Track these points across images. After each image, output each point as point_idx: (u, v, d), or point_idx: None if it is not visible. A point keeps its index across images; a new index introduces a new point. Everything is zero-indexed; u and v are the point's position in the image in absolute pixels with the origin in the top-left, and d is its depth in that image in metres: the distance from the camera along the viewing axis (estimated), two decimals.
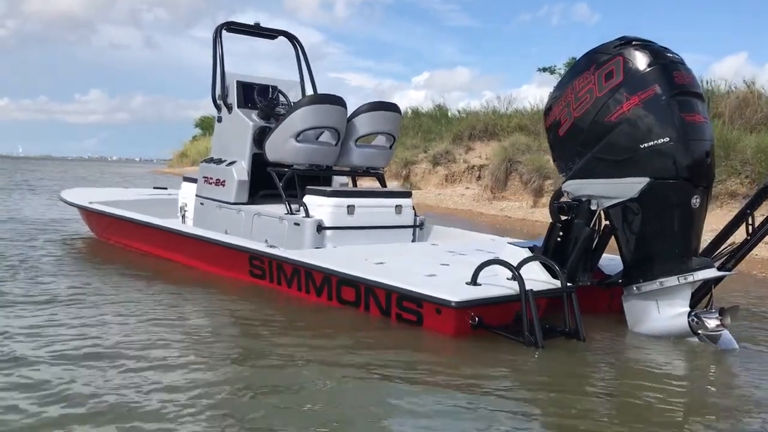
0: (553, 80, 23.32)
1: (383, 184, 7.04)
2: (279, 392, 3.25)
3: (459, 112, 23.67)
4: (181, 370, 3.51)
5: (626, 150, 4.16)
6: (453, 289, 4.19)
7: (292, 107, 6.36)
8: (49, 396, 3.08)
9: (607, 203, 4.38)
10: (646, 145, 4.09)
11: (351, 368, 3.61)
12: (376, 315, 4.64)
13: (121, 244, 7.57)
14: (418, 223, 6.56)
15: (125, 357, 3.66)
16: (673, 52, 4.30)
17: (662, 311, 4.31)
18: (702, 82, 14.04)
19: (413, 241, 6.46)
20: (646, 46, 4.23)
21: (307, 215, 5.86)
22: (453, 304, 4.02)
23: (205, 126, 43.55)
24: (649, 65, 4.13)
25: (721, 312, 4.05)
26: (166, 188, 9.35)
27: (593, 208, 4.47)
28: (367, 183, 7.63)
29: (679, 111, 4.06)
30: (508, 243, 4.83)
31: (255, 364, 3.71)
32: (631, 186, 4.20)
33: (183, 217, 7.15)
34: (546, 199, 11.19)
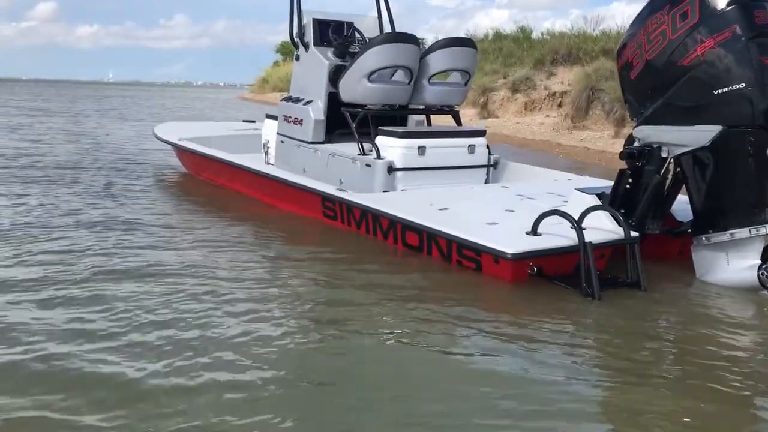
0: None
1: (458, 122, 6.99)
2: (338, 330, 3.46)
3: (542, 34, 22.80)
4: (245, 303, 3.78)
5: (699, 96, 3.96)
6: (512, 239, 4.19)
7: (363, 47, 6.32)
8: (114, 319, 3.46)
9: (678, 151, 4.22)
10: (720, 90, 3.88)
11: (410, 309, 3.77)
12: (438, 259, 4.71)
13: (209, 180, 7.91)
14: (492, 162, 6.49)
15: (186, 281, 4.10)
16: None
17: (732, 263, 4.18)
18: None
19: (487, 181, 6.43)
20: None
21: (378, 156, 5.91)
22: (509, 255, 4.03)
23: (286, 51, 43.67)
24: (728, 4, 3.87)
25: None
26: (254, 122, 9.56)
27: (663, 155, 4.32)
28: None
29: (758, 54, 3.81)
30: (575, 189, 4.73)
31: (318, 302, 3.92)
32: (703, 134, 4.01)
33: (266, 154, 7.31)
34: (628, 131, 10.78)
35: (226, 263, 4.58)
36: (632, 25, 4.41)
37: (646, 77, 4.21)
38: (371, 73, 6.15)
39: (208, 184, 7.80)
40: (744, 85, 3.82)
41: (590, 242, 4.00)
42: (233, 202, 6.85)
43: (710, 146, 4.01)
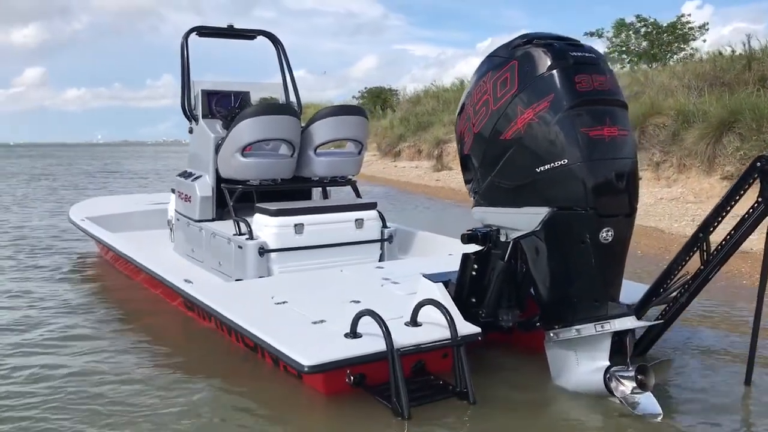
0: (601, 44, 21.96)
1: (357, 194, 6.50)
2: None
3: None
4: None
5: (522, 175, 3.39)
6: (324, 344, 3.56)
7: (235, 120, 5.86)
8: None
9: (514, 235, 3.66)
10: (542, 168, 3.30)
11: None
12: (270, 364, 4.12)
13: (112, 264, 7.32)
14: (386, 236, 5.97)
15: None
16: (584, 51, 3.43)
17: (581, 364, 3.57)
18: (748, 40, 12.68)
19: (381, 256, 5.91)
20: (548, 45, 3.38)
21: (250, 237, 5.40)
22: (306, 369, 3.37)
23: None
24: (547, 69, 3.31)
25: (641, 370, 3.28)
26: None
27: (503, 239, 3.77)
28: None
29: (582, 125, 3.24)
30: (422, 275, 4.15)
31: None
32: (531, 217, 3.44)
33: (171, 231, 6.84)
34: None
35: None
36: (464, 94, 3.88)
37: (476, 152, 3.67)
38: (244, 147, 5.70)
39: (112, 267, 7.20)
40: (566, 161, 3.25)
41: (398, 348, 3.38)
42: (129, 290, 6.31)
43: (541, 231, 3.43)
